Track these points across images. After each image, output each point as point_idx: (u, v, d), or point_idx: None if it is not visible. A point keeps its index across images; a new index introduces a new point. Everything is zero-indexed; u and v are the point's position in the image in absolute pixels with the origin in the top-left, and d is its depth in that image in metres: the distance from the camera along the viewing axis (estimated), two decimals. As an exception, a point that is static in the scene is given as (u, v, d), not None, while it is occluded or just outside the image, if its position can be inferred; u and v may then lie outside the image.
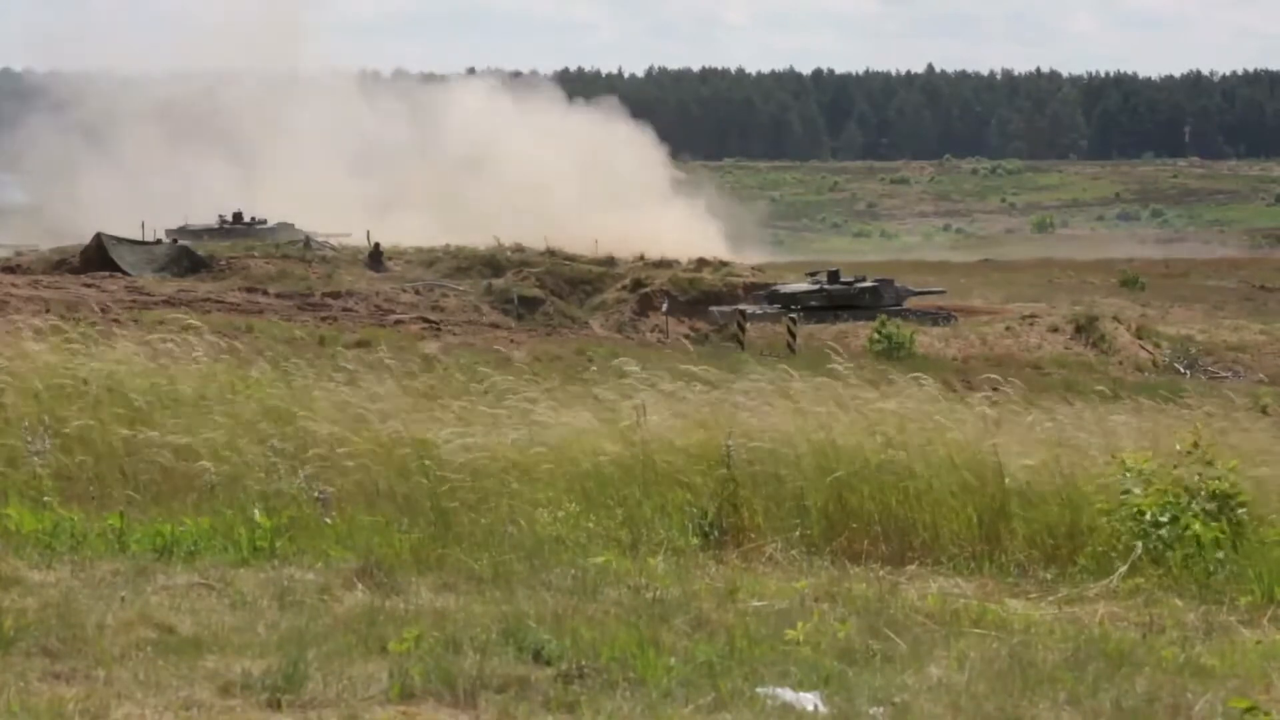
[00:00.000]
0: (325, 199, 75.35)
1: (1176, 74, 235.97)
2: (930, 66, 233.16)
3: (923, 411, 12.34)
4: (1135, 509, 10.74)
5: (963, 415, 12.28)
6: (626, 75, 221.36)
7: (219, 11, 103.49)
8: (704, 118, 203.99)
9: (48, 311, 37.87)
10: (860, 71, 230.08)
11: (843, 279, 54.81)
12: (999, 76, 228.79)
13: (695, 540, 10.99)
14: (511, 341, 39.98)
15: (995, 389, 13.87)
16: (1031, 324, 51.19)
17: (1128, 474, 10.93)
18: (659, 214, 78.82)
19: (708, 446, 11.75)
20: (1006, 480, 11.42)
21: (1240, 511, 10.80)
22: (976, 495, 11.35)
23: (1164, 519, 10.66)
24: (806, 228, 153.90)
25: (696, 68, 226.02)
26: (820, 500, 11.46)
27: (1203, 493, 10.77)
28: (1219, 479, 10.85)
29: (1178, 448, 11.15)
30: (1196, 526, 10.60)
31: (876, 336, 45.77)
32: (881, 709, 7.10)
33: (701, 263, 61.14)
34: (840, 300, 53.46)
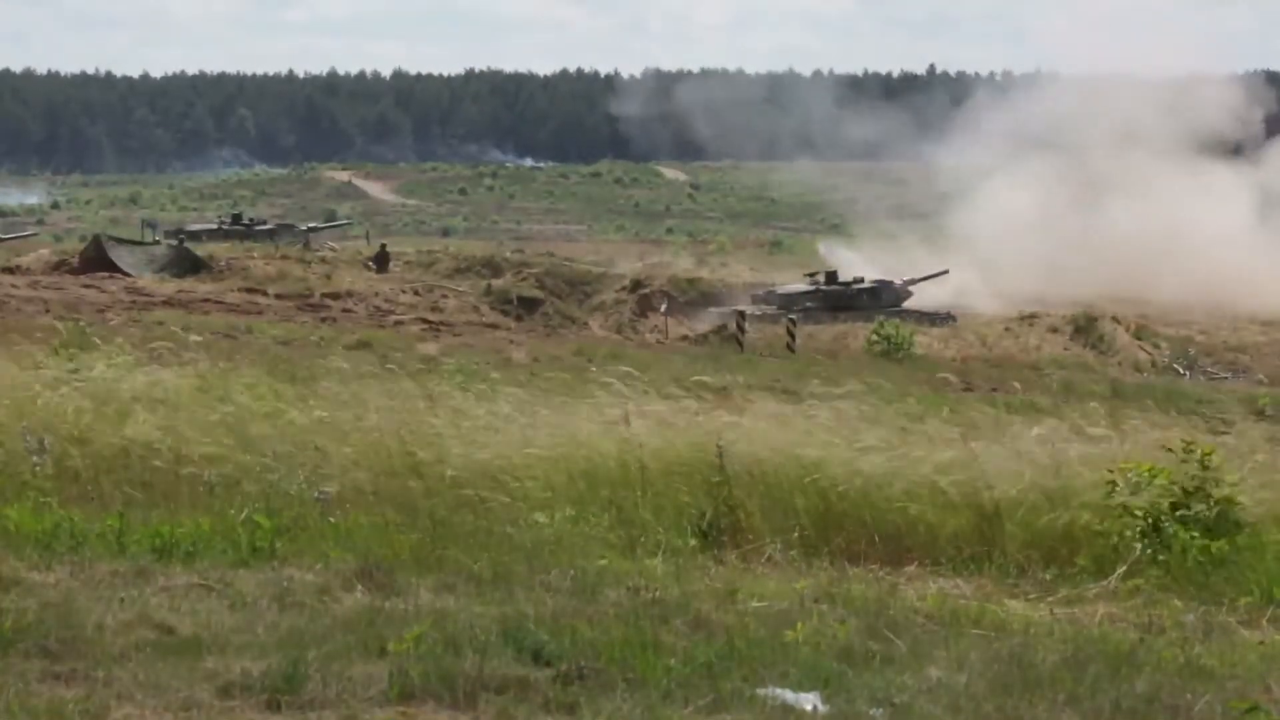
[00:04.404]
0: None
1: (1178, 73, 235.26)
2: (931, 67, 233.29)
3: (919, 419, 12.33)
4: (1134, 510, 10.73)
5: (954, 425, 12.24)
6: (625, 76, 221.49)
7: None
8: (704, 117, 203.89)
9: (47, 312, 37.93)
10: (860, 72, 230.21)
11: (840, 280, 54.67)
12: (998, 77, 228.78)
13: (694, 541, 10.98)
14: (511, 342, 39.96)
15: (994, 389, 13.88)
16: (1031, 324, 51.08)
17: (1127, 475, 10.92)
18: None
19: (704, 448, 11.75)
20: (994, 493, 11.35)
21: (1236, 511, 10.79)
22: (963, 511, 11.32)
23: (1163, 520, 10.66)
24: (806, 228, 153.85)
25: (695, 68, 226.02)
26: (815, 503, 11.45)
27: (1200, 493, 10.76)
28: (1214, 481, 10.84)
29: (1161, 451, 11.15)
30: (1196, 528, 10.59)
31: (875, 338, 45.56)
32: (881, 710, 7.10)
33: (701, 263, 61.11)
34: (838, 301, 53.31)
